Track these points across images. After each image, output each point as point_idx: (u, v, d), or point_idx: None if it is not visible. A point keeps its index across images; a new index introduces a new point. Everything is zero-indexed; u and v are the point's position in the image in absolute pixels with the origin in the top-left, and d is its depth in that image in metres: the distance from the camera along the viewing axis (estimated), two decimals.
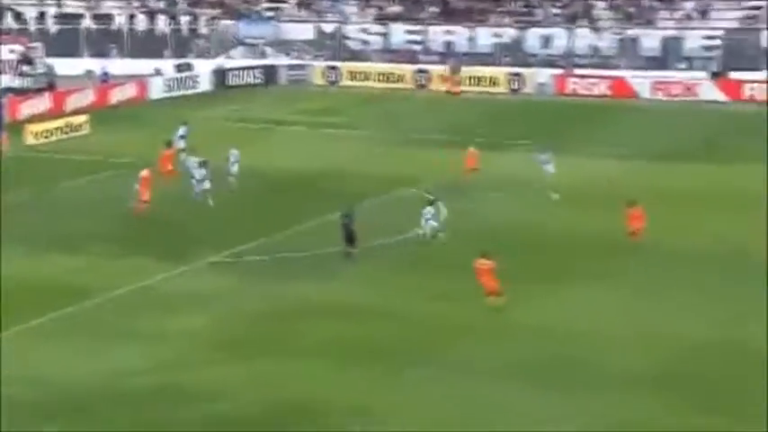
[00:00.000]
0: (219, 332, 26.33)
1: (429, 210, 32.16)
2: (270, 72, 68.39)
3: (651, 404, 21.99)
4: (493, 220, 34.33)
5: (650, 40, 65.14)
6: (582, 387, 22.78)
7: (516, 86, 64.52)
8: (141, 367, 24.01)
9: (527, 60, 66.36)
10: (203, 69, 66.92)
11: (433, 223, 31.79)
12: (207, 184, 37.04)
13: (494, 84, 64.48)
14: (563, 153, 41.40)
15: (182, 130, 44.71)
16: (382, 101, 62.12)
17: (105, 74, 63.45)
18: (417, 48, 68.91)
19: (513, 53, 66.82)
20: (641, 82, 62.08)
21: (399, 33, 69.64)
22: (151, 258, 31.68)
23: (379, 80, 66.89)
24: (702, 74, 62.29)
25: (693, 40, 64.49)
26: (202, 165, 37.45)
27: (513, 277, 29.07)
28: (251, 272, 30.79)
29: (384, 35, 69.95)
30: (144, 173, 36.57)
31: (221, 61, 69.09)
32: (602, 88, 62.60)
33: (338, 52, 70.01)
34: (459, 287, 28.06)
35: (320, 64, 68.93)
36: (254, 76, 67.76)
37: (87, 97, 58.58)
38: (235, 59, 69.83)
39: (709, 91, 60.68)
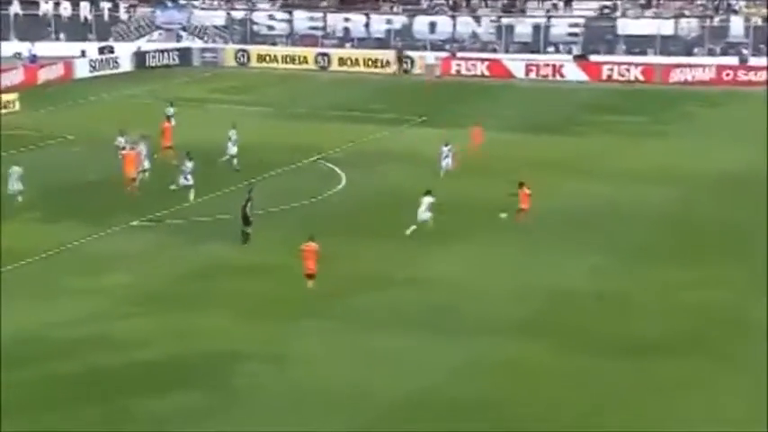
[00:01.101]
0: (141, 288, 26.32)
1: (426, 200, 29.78)
2: (185, 54, 67.44)
3: (528, 345, 22.67)
4: (386, 188, 34.59)
5: (523, 27, 66.11)
6: (464, 332, 23.34)
7: (407, 68, 64.88)
8: (72, 319, 24.05)
9: (416, 44, 66.78)
10: (124, 52, 65.66)
11: (429, 213, 29.86)
12: (190, 179, 33.29)
13: (387, 65, 64.72)
14: (450, 127, 41.81)
15: (170, 110, 43.86)
16: (288, 81, 61.84)
17: (33, 56, 61.82)
18: (318, 33, 68.70)
19: (403, 38, 67.13)
20: (516, 64, 63.02)
21: (302, 20, 69.30)
22: (78, 223, 31.39)
23: (284, 62, 66.52)
24: (567, 57, 63.52)
25: (559, 27, 65.62)
26: (188, 157, 33.86)
27: (403, 238, 29.59)
28: (169, 234, 30.73)
29: (289, 21, 69.53)
30: (127, 153, 34.96)
31: (141, 44, 67.83)
32: (482, 69, 63.39)
33: (247, 37, 69.39)
34: (352, 248, 28.50)
35: (231, 47, 68.24)
36: (171, 58, 66.75)
37: (17, 77, 57.02)
38: (155, 42, 68.62)
39: (574, 72, 61.88)
